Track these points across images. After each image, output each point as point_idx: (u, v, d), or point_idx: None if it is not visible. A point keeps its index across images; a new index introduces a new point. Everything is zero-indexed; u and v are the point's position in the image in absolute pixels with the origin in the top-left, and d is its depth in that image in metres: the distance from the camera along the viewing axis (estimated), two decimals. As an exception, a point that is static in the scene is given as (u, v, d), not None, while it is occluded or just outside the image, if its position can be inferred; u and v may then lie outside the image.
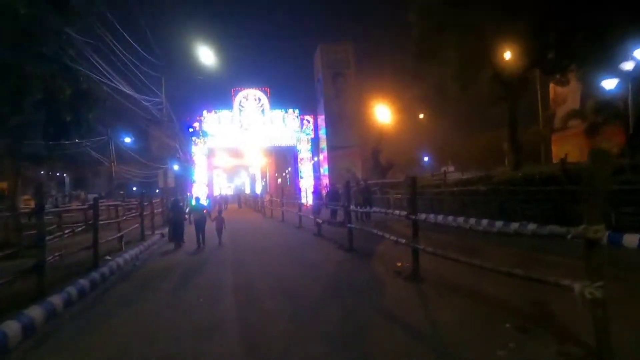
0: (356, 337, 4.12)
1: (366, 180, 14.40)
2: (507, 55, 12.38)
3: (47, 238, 6.91)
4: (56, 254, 6.64)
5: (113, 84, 12.61)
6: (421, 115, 43.57)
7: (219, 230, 12.09)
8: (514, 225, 4.19)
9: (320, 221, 11.54)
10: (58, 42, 9.42)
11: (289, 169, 58.97)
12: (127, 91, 13.90)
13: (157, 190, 30.32)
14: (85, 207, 10.79)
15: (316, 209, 14.14)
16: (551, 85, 27.83)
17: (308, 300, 5.49)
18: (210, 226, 12.17)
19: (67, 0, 9.19)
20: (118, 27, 12.80)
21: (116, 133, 23.34)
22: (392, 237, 6.68)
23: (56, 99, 10.48)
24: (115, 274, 8.27)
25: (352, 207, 9.52)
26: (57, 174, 55.83)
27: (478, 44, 11.93)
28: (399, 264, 7.13)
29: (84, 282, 6.73)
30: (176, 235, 12.18)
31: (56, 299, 5.66)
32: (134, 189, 60.08)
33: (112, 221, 11.01)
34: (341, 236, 11.17)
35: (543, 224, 3.56)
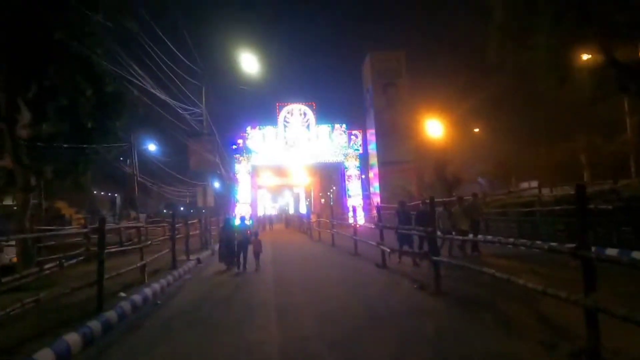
0: None
1: (476, 195, 11.24)
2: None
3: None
4: (27, 300, 4.67)
5: (147, 88, 11.17)
6: (476, 130, 40.14)
7: (257, 254, 11.06)
8: None
9: (389, 250, 8.87)
10: (77, 28, 7.84)
11: (334, 187, 56.79)
12: (164, 98, 12.53)
13: (204, 211, 29.30)
14: (86, 229, 9.10)
15: (405, 238, 9.43)
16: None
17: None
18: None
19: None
20: (154, 26, 11.43)
21: (144, 143, 22.30)
22: (536, 286, 4.09)
23: (76, 102, 8.98)
24: (128, 317, 6.31)
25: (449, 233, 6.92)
26: (109, 194, 57.31)
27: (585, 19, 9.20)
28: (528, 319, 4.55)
29: (72, 338, 4.75)
30: (227, 255, 11.30)
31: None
32: (182, 208, 60.32)
33: (134, 246, 9.22)
34: (413, 270, 8.75)
35: None
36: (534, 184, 21.86)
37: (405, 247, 9.30)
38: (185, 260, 12.13)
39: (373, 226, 11.50)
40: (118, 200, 63.50)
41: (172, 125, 14.21)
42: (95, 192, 50.50)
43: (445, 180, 23.08)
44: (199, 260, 12.96)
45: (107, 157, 11.36)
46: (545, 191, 14.69)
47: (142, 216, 43.91)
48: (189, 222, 14.35)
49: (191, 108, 14.73)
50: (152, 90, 11.04)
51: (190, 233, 14.15)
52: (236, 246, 11.05)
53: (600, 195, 9.44)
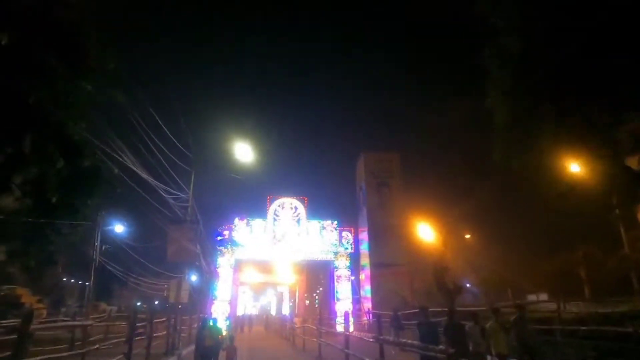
0: None
1: (523, 307, 9.13)
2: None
3: None
4: None
5: (129, 165, 10.30)
6: (467, 236, 39.47)
7: None
8: None
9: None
10: (60, 94, 7.20)
11: (321, 288, 53.58)
12: (147, 178, 11.67)
13: (180, 306, 26.57)
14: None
15: None
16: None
17: None
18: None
19: (79, 43, 7.29)
20: (148, 104, 11.08)
21: (116, 225, 20.66)
22: None
23: (44, 174, 8.00)
24: None
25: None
26: (80, 283, 53.30)
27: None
28: None
29: None
30: None
31: None
32: (156, 302, 55.38)
33: (86, 349, 7.42)
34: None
35: None
36: (543, 296, 20.32)
37: None
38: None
39: (371, 339, 9.63)
40: (88, 290, 58.76)
41: (152, 209, 13.20)
42: (65, 279, 46.90)
43: (446, 288, 21.36)
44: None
45: (73, 239, 10.03)
46: (553, 306, 13.24)
47: (109, 309, 40.20)
48: (155, 320, 12.39)
49: (177, 193, 13.88)
50: (135, 169, 10.27)
51: (156, 334, 12.14)
52: (207, 352, 9.36)
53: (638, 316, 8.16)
